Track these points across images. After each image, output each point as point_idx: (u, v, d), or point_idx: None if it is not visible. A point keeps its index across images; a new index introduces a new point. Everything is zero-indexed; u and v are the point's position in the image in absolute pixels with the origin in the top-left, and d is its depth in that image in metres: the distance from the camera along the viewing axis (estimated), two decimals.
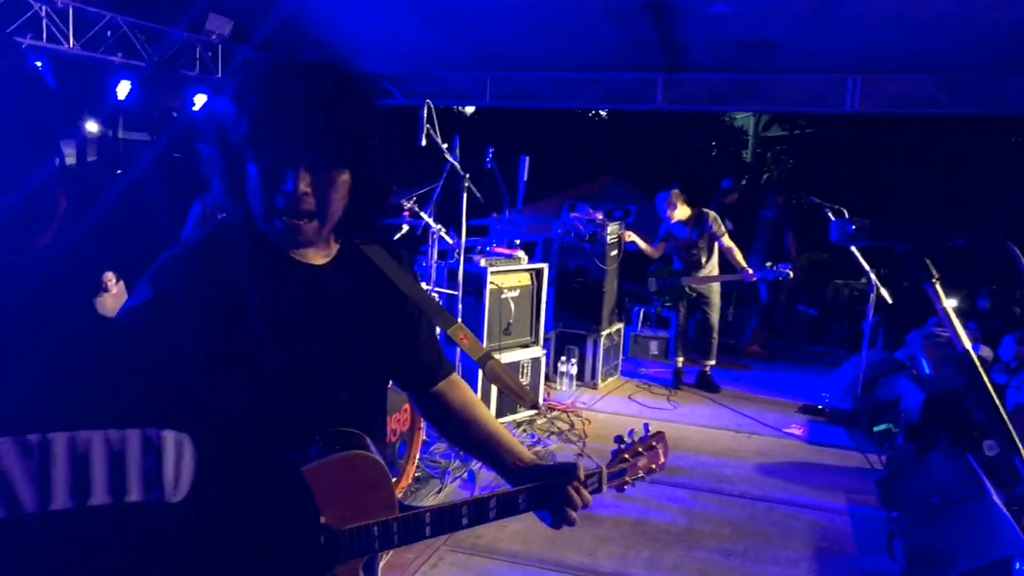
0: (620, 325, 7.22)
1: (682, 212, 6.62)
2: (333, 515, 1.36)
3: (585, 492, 1.62)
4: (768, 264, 6.50)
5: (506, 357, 5.66)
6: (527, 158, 7.80)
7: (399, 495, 4.27)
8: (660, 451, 1.81)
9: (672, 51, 7.75)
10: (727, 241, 6.61)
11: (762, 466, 5.22)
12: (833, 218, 6.15)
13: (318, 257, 1.47)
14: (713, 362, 6.86)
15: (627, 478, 1.76)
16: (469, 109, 11.36)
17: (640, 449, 1.78)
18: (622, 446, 1.79)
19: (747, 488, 4.82)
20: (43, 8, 6.15)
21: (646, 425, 1.85)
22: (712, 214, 6.66)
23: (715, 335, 6.80)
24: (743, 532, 4.24)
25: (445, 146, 4.91)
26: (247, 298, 1.37)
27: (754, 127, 16.53)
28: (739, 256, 6.65)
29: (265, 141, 1.30)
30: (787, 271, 6.33)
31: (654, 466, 1.79)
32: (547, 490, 1.60)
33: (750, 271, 6.56)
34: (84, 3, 6.40)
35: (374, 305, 1.55)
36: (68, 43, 6.37)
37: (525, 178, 7.81)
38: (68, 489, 0.58)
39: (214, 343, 1.32)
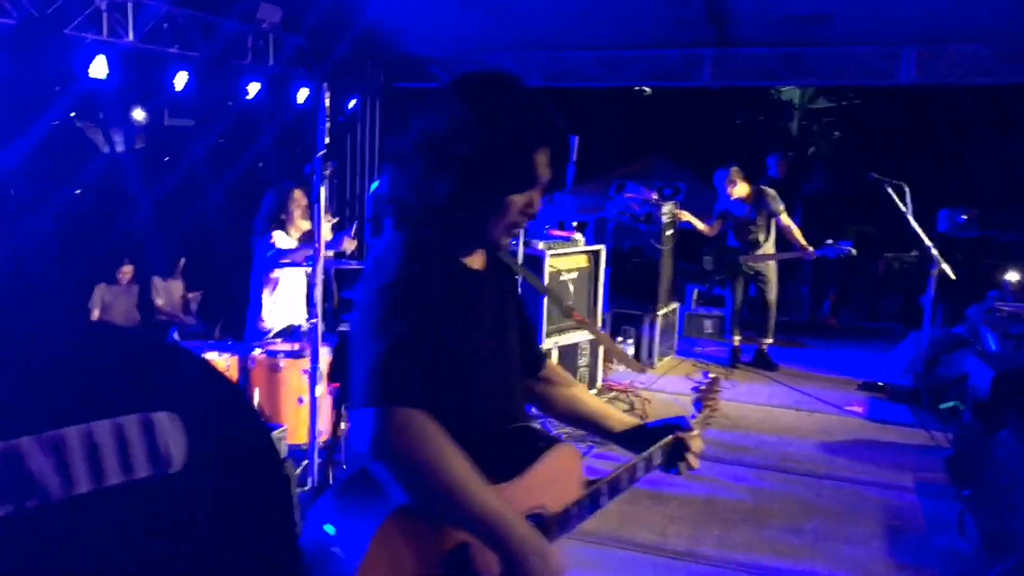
0: (675, 305, 7.22)
1: (741, 189, 6.57)
2: (552, 500, 1.54)
3: (699, 439, 1.83)
4: (829, 241, 6.41)
5: (566, 339, 5.71)
6: (576, 138, 7.79)
7: None
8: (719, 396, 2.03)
9: (721, 26, 7.66)
10: (785, 219, 6.56)
11: (825, 444, 5.21)
12: (893, 193, 6.09)
13: (478, 262, 1.58)
14: (771, 340, 6.83)
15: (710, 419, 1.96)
16: None
17: (714, 393, 1.99)
18: (702, 390, 1.97)
19: (812, 466, 4.83)
20: (103, 2, 6.28)
21: (706, 372, 2.05)
22: (771, 192, 6.60)
23: (773, 312, 6.76)
24: (811, 511, 4.26)
25: None
26: (465, 308, 1.50)
27: (800, 99, 16.24)
28: (798, 233, 6.59)
29: (527, 172, 1.46)
30: (849, 248, 6.23)
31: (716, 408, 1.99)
32: (671, 443, 1.78)
33: (810, 248, 6.49)
34: None
35: (514, 300, 1.68)
36: (128, 36, 6.50)
37: (574, 158, 7.80)
38: (87, 474, 0.68)
39: (455, 346, 1.47)
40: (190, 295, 7.29)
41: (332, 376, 3.91)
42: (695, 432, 1.82)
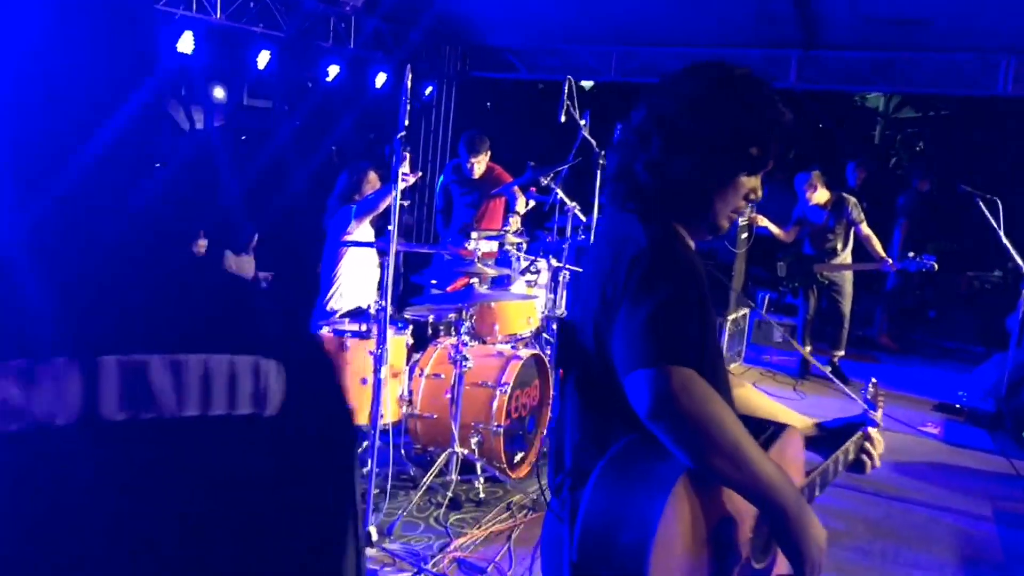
0: (746, 310, 7.04)
1: (821, 195, 6.36)
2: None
3: (882, 437, 1.84)
4: (911, 255, 6.15)
5: None
6: None
7: (527, 469, 4.32)
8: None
9: (808, 27, 7.42)
10: (866, 229, 6.32)
11: (897, 464, 5.00)
12: (984, 208, 5.81)
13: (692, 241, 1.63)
14: (842, 352, 6.60)
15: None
16: (587, 83, 11.20)
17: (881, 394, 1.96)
18: (872, 390, 1.94)
19: (883, 487, 4.63)
20: None
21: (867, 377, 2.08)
22: (852, 199, 6.36)
23: (846, 324, 6.53)
24: (880, 532, 4.09)
25: (583, 122, 4.86)
26: (703, 284, 1.49)
27: (885, 107, 15.71)
28: (878, 245, 6.33)
29: (762, 155, 1.52)
30: (932, 262, 5.97)
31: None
32: (862, 439, 1.80)
33: (890, 260, 6.24)
34: None
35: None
36: (216, 13, 6.62)
37: None
38: (198, 400, 0.75)
39: (708, 321, 1.48)
40: (261, 274, 7.40)
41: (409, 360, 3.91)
42: (881, 429, 1.83)
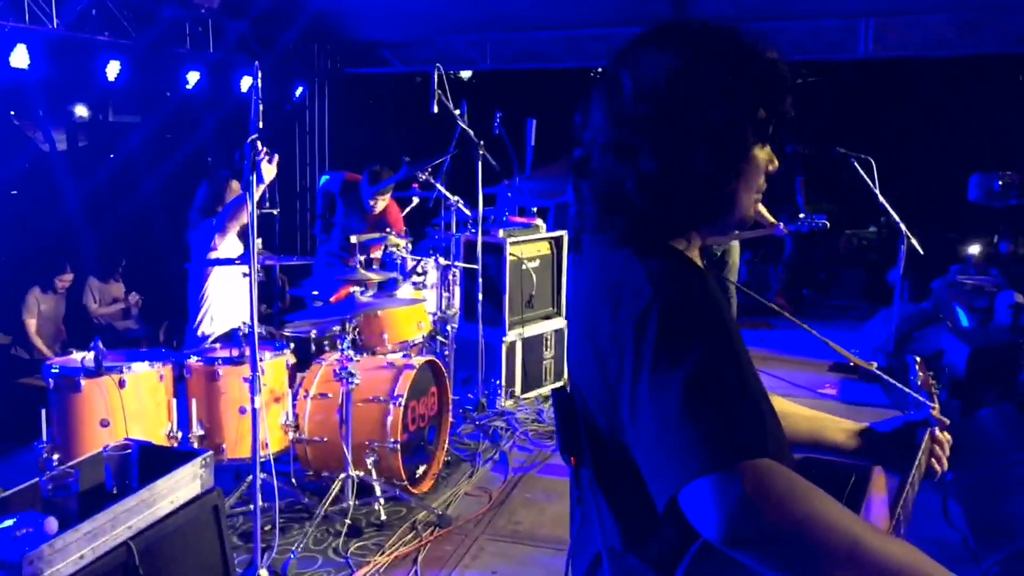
0: None
1: None
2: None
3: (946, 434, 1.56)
4: (801, 216, 6.13)
5: (529, 330, 5.47)
6: (534, 121, 7.53)
7: (430, 482, 4.10)
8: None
9: (678, 3, 7.45)
10: None
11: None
12: (860, 169, 5.92)
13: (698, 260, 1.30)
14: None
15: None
16: (466, 73, 11.02)
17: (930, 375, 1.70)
18: (921, 374, 1.68)
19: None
20: None
21: (910, 356, 1.74)
22: None
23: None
24: None
25: (457, 112, 4.66)
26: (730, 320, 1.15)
27: None
28: (765, 211, 6.32)
29: (770, 113, 1.18)
30: (823, 220, 5.96)
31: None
32: (931, 443, 1.52)
33: (782, 225, 6.18)
34: None
35: None
36: (52, 23, 6.07)
37: (532, 142, 7.55)
38: None
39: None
40: (131, 298, 6.90)
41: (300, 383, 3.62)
42: (947, 423, 1.54)
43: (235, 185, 4.24)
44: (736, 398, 1.00)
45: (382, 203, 5.33)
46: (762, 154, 1.21)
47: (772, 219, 6.26)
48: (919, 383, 1.62)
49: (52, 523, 1.90)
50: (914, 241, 5.92)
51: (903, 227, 5.89)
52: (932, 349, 5.51)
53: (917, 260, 6.13)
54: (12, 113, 12.47)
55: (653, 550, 1.13)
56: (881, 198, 5.91)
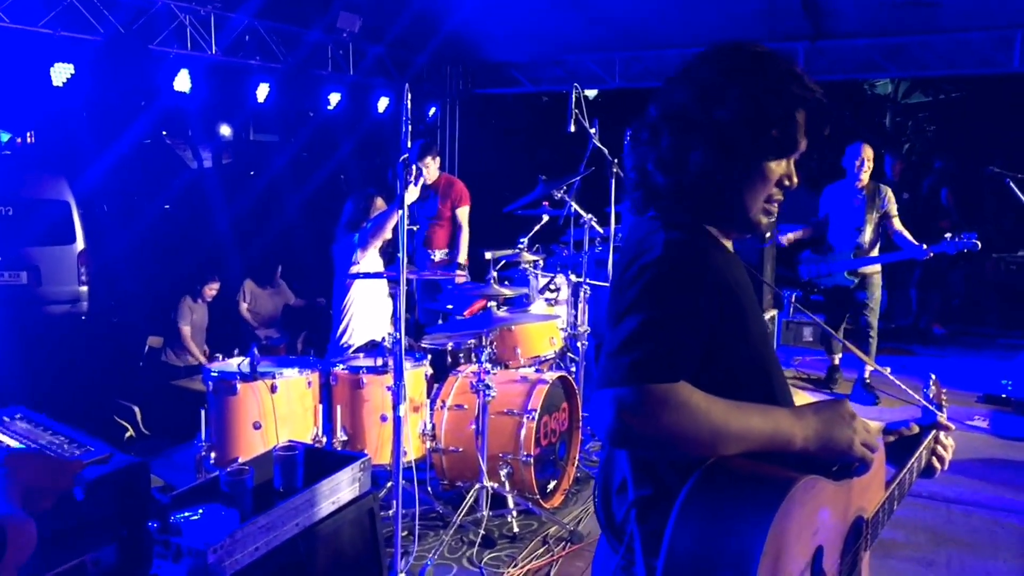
0: (774, 312, 6.80)
1: (867, 173, 5.88)
2: (868, 503, 1.47)
3: (951, 437, 1.75)
4: (948, 236, 5.74)
5: None
6: None
7: (561, 497, 4.12)
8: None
9: (815, 17, 7.24)
10: (898, 223, 5.85)
11: (950, 463, 4.75)
12: (1015, 187, 5.54)
13: (729, 243, 1.49)
14: (872, 368, 6.13)
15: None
16: (591, 92, 11.06)
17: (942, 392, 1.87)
18: (934, 388, 1.84)
19: (937, 489, 4.39)
20: (187, 17, 6.31)
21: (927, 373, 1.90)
22: (888, 189, 5.96)
23: (873, 335, 6.04)
24: (942, 540, 3.84)
25: (592, 131, 4.69)
26: (739, 291, 1.37)
27: (894, 93, 15.46)
28: (911, 238, 5.93)
29: (787, 134, 1.37)
30: (974, 240, 5.58)
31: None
32: (933, 441, 1.71)
33: (925, 246, 5.78)
34: (224, 10, 6.54)
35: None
36: (211, 49, 6.52)
37: None
38: None
39: (748, 340, 1.39)
40: (294, 302, 7.29)
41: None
42: (952, 429, 1.73)
43: (379, 202, 4.42)
44: (678, 340, 1.23)
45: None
46: (778, 168, 1.39)
47: (914, 241, 5.88)
48: (931, 395, 1.80)
49: (235, 516, 2.04)
50: None
51: None
52: None
53: None
54: (164, 133, 13.44)
55: (659, 468, 1.35)
56: None
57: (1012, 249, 11.44)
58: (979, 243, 5.53)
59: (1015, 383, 5.96)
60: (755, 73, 1.35)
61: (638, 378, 1.19)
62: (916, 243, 5.79)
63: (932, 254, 5.68)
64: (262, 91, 7.04)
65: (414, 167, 3.38)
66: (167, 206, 11.20)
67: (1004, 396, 5.83)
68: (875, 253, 6.01)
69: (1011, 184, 5.59)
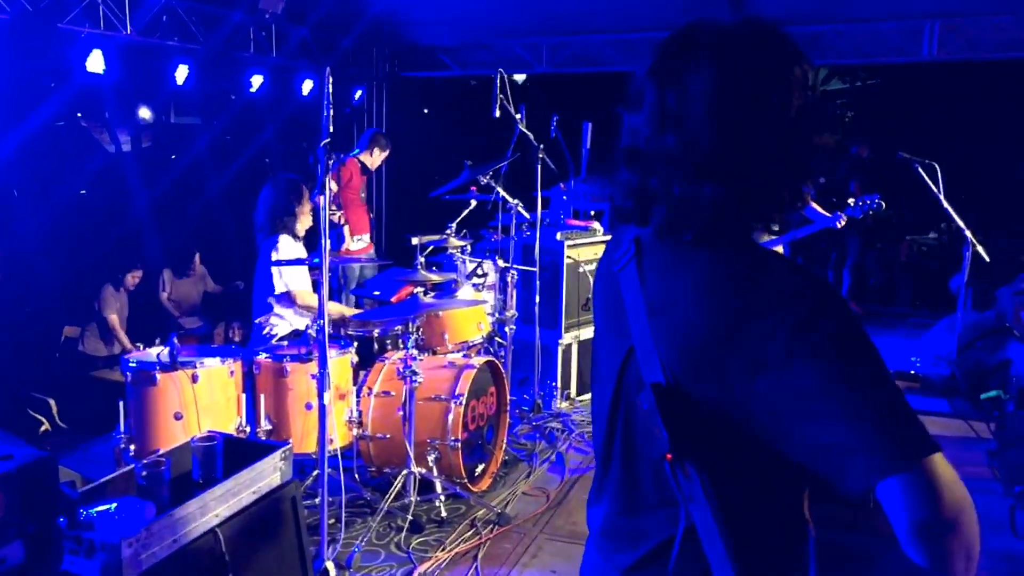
0: None
1: None
2: None
3: None
4: (851, 201, 5.93)
5: (585, 333, 5.49)
6: (590, 124, 7.56)
7: (488, 481, 4.16)
8: None
9: (737, 5, 7.40)
10: (808, 199, 6.15)
11: None
12: (924, 174, 5.80)
13: None
14: None
15: None
16: (520, 77, 11.08)
17: None
18: None
19: None
20: None
21: None
22: None
23: None
24: None
25: (518, 116, 4.71)
26: None
27: (812, 81, 15.92)
28: (818, 207, 6.11)
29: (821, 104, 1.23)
30: (877, 200, 5.77)
31: None
32: None
33: (840, 214, 5.91)
34: None
35: None
36: (125, 29, 6.29)
37: (588, 145, 7.57)
38: None
39: None
40: (212, 288, 7.14)
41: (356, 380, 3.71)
42: None
43: (304, 190, 4.34)
44: (902, 396, 1.03)
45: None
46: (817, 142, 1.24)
47: (827, 213, 6.07)
48: None
49: (151, 509, 2.00)
50: (979, 248, 5.80)
51: (968, 233, 5.77)
52: (997, 358, 5.40)
53: (982, 267, 6.00)
54: (79, 115, 12.91)
55: (774, 545, 1.17)
56: (946, 203, 5.81)
57: (923, 231, 11.93)
58: (883, 203, 5.75)
59: (923, 360, 6.26)
60: (784, 41, 1.19)
61: (918, 455, 0.98)
62: (828, 214, 5.97)
63: (844, 218, 5.83)
64: (181, 73, 6.83)
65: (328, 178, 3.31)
66: (83, 191, 10.77)
67: (912, 372, 6.11)
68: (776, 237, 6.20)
69: (919, 168, 5.86)
